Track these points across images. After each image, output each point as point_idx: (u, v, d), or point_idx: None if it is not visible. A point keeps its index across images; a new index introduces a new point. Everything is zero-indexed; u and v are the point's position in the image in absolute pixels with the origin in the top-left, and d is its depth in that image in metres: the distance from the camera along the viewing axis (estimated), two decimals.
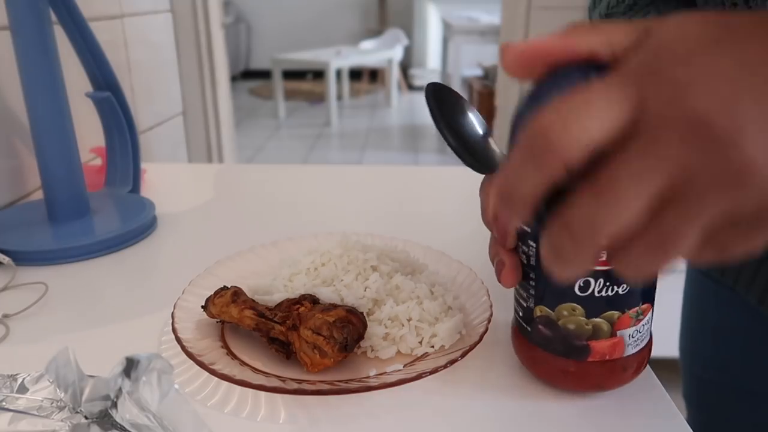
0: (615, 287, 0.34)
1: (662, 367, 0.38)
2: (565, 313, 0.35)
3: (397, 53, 5.17)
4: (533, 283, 0.36)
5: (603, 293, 0.34)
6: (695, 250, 0.23)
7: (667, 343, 0.61)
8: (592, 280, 0.33)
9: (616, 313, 0.34)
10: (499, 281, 0.37)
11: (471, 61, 4.32)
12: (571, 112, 0.23)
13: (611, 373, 0.36)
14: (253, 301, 0.44)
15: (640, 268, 0.24)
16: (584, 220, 0.23)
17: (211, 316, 0.44)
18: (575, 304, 0.34)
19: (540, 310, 0.36)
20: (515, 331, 0.40)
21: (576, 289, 0.34)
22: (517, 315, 0.39)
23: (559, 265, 0.25)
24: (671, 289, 0.62)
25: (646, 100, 0.22)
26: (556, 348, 0.36)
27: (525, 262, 0.36)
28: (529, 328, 0.37)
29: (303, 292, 0.45)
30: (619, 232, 0.23)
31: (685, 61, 0.22)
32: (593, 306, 0.34)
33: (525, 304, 0.37)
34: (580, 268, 0.25)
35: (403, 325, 0.43)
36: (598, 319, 0.34)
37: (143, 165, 0.76)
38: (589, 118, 0.23)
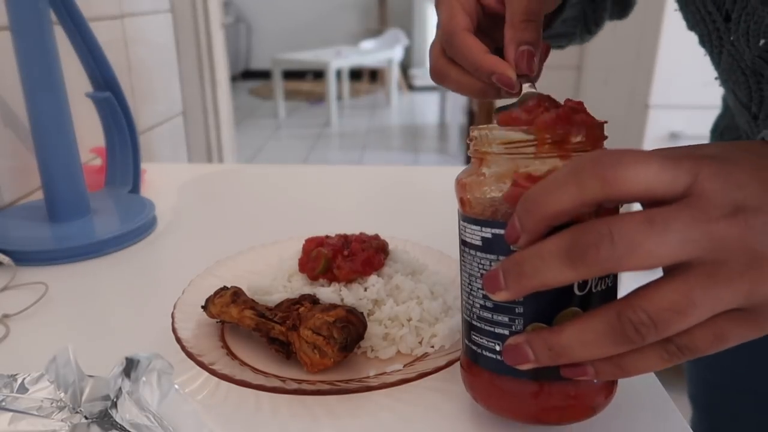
0: (606, 280, 0.30)
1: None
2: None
3: (397, 53, 5.17)
4: (520, 301, 0.30)
5: (599, 287, 0.30)
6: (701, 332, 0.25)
7: None
8: None
9: None
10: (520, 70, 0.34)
11: None
12: (631, 159, 0.24)
13: (608, 387, 0.33)
14: (253, 301, 0.44)
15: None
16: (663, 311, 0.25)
17: (211, 316, 0.44)
18: (576, 308, 0.29)
19: (534, 329, 0.30)
20: (488, 375, 0.33)
21: (575, 289, 0.29)
22: (490, 354, 0.32)
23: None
24: None
25: (702, 181, 0.24)
26: (552, 371, 0.29)
27: None
28: None
29: (303, 292, 0.45)
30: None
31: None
32: (592, 305, 0.30)
33: (508, 332, 0.30)
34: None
35: (403, 326, 0.43)
36: None
37: (143, 165, 0.76)
38: (648, 172, 0.24)
